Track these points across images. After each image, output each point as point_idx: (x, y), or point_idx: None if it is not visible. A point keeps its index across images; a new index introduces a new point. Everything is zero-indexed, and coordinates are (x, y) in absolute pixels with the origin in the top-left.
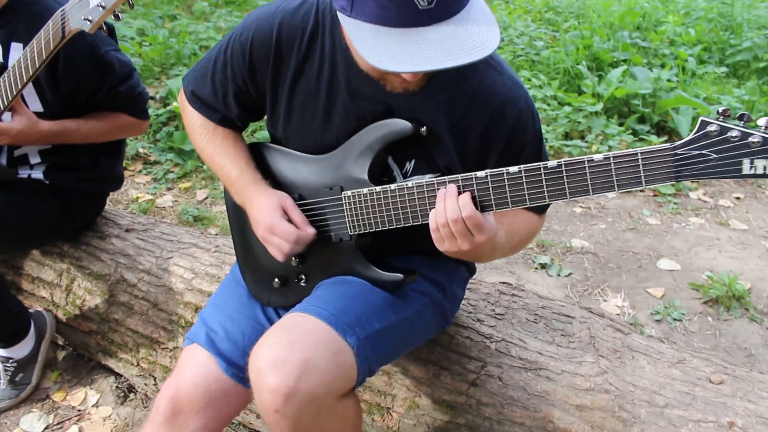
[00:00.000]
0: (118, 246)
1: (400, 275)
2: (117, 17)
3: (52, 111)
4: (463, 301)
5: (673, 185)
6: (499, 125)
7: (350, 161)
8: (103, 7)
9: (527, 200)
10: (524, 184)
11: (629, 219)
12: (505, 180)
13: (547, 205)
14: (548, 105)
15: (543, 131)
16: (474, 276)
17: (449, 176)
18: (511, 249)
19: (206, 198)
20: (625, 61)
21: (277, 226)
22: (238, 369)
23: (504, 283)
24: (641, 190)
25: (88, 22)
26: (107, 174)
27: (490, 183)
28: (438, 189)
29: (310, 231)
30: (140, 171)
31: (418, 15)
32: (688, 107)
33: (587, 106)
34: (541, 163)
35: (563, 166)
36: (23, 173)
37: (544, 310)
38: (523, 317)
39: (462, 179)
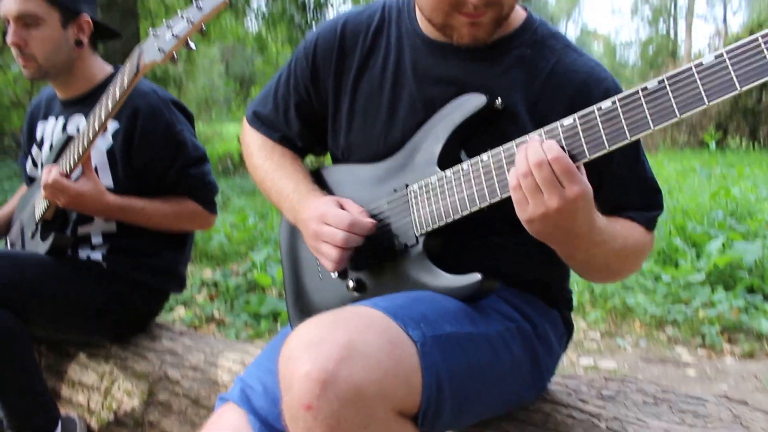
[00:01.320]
0: (167, 345)
1: (477, 275)
2: (189, 47)
3: (121, 188)
4: (560, 386)
5: None
6: (585, 102)
7: (418, 155)
8: (177, 37)
9: (627, 133)
10: (621, 115)
11: (755, 381)
12: (597, 118)
13: (656, 220)
14: (644, 278)
15: (640, 301)
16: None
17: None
18: (617, 256)
19: None
20: (722, 243)
21: (330, 213)
22: (272, 430)
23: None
24: (766, 354)
25: (162, 53)
26: (168, 268)
27: (579, 127)
28: (516, 151)
29: (369, 219)
30: (212, 334)
31: None
32: None
33: (689, 277)
34: (637, 86)
35: (666, 81)
36: (83, 253)
37: (666, 393)
38: (639, 399)
39: (545, 130)
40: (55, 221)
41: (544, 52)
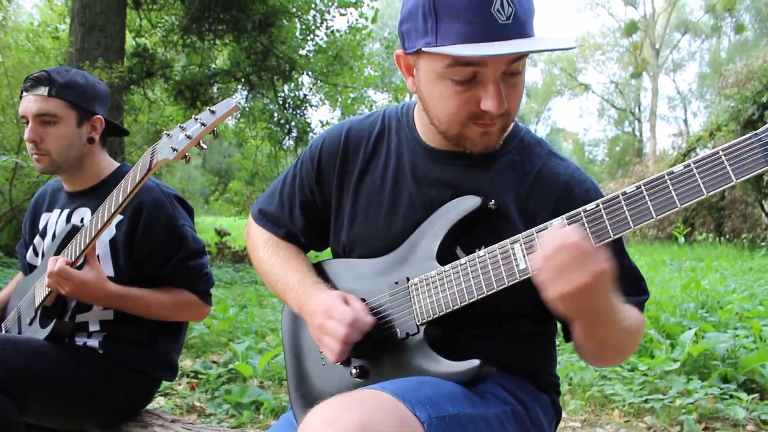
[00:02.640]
0: None
1: (475, 361)
2: (201, 147)
3: (122, 277)
4: None
5: None
6: (571, 204)
7: (417, 251)
8: (189, 138)
9: (653, 213)
10: (646, 197)
11: None
12: (622, 201)
13: (644, 304)
14: (621, 368)
15: (619, 390)
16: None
17: (526, 231)
18: (627, 334)
19: None
20: (695, 332)
21: (335, 308)
22: None
23: None
24: None
25: (174, 151)
26: (162, 357)
27: (603, 211)
28: (510, 247)
29: (370, 318)
30: (193, 423)
31: (500, 29)
32: None
33: (665, 366)
34: (664, 171)
35: (693, 165)
36: (80, 340)
37: None
38: None
39: (566, 216)
40: (54, 308)
41: (530, 157)
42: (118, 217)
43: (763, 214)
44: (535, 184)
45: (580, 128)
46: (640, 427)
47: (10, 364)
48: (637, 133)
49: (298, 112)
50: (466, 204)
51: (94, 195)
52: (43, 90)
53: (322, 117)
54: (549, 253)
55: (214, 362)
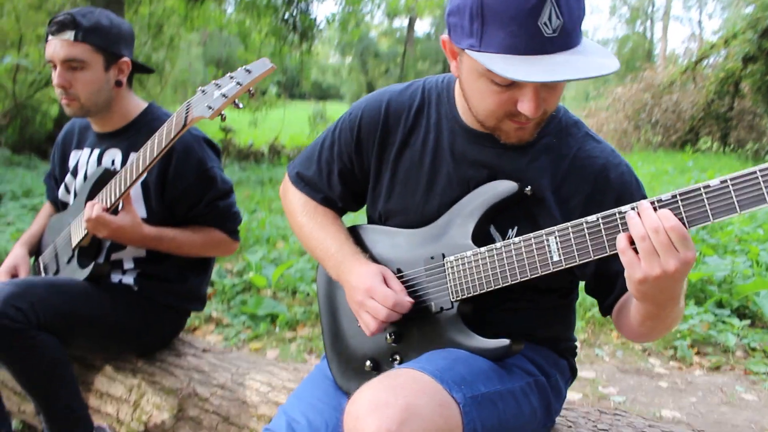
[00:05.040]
0: (194, 363)
1: (506, 340)
2: (237, 106)
3: (155, 218)
4: (560, 418)
5: (766, 364)
6: (605, 189)
7: (453, 229)
8: (225, 97)
9: (737, 207)
10: (732, 192)
11: (721, 394)
12: (703, 195)
13: None
14: None
15: None
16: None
17: (560, 225)
18: (680, 313)
19: (276, 357)
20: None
21: (377, 289)
22: None
23: (603, 407)
24: (730, 368)
25: (210, 110)
26: (192, 291)
27: (680, 201)
28: (546, 239)
29: (408, 300)
30: (212, 332)
31: (544, 43)
32: None
33: None
34: (751, 168)
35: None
36: (115, 277)
37: (651, 429)
38: None
39: (657, 200)
40: (90, 248)
41: (567, 140)
42: None
43: None
44: (571, 168)
45: (591, 26)
46: (636, 350)
47: (56, 307)
48: (648, 34)
49: (303, 5)
50: (503, 188)
51: (123, 136)
52: (70, 34)
53: (327, 11)
54: (642, 234)
55: (228, 271)
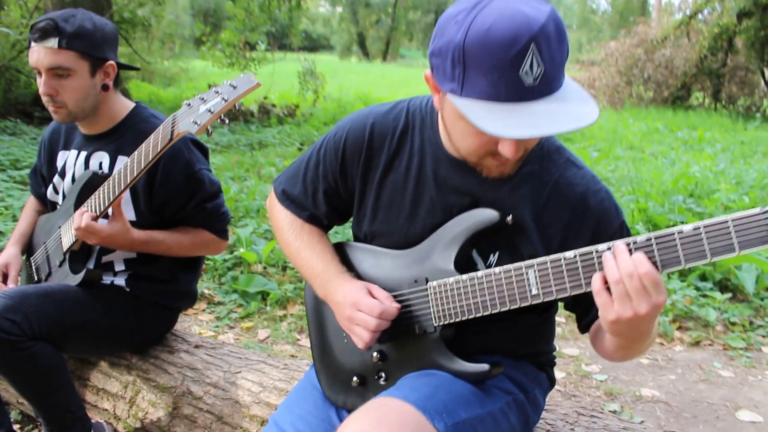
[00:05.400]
0: (186, 360)
1: (485, 365)
2: (223, 121)
3: (143, 220)
4: (540, 421)
5: (743, 339)
6: (584, 216)
7: (436, 253)
8: (211, 112)
9: (708, 255)
10: (704, 239)
11: (700, 371)
12: (677, 240)
13: None
14: None
15: None
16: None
17: (539, 258)
18: (651, 340)
19: (268, 337)
20: (681, 223)
21: (362, 301)
22: None
23: (581, 406)
24: (709, 343)
25: (196, 125)
26: (183, 290)
27: (654, 245)
28: (525, 271)
29: (395, 305)
30: (204, 310)
31: (525, 91)
32: (752, 264)
33: None
34: (724, 217)
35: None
36: (107, 279)
37: (626, 431)
38: None
39: (623, 242)
40: (81, 252)
41: (548, 167)
42: None
43: (763, 82)
44: (552, 195)
45: None
46: None
47: (50, 316)
48: None
49: None
50: (485, 216)
51: (110, 138)
52: (53, 42)
53: None
54: (617, 278)
55: None
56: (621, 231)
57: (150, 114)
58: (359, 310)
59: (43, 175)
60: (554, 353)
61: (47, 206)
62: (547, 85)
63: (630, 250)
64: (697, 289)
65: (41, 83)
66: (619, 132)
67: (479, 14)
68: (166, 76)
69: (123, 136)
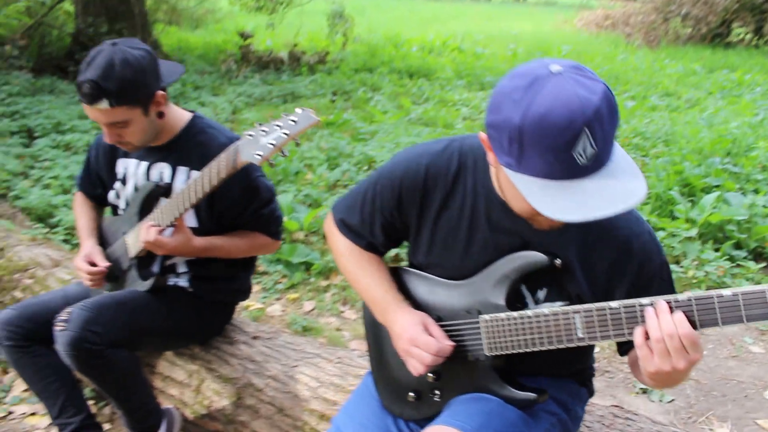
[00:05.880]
0: (246, 352)
1: (533, 394)
2: (283, 154)
3: (203, 228)
4: None
5: None
6: (628, 258)
7: (488, 288)
8: (274, 145)
9: (744, 319)
10: (741, 305)
11: (731, 346)
12: (716, 304)
13: None
14: None
15: None
16: None
17: (585, 305)
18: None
19: (313, 309)
20: (717, 186)
21: (419, 339)
22: None
23: (615, 406)
24: None
25: (258, 157)
26: (240, 287)
27: (695, 306)
28: (572, 317)
29: (449, 344)
30: (271, 338)
31: (577, 169)
32: None
33: (681, 231)
34: (762, 286)
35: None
36: (170, 280)
37: None
38: None
39: (665, 300)
40: (146, 256)
41: None
42: (198, 174)
43: None
44: (597, 238)
45: None
46: None
47: (125, 324)
48: None
49: None
50: (534, 258)
51: (170, 150)
52: (104, 104)
53: None
54: (658, 337)
55: None
56: (661, 271)
57: (206, 125)
58: (416, 346)
59: (101, 178)
60: (594, 368)
61: (99, 204)
62: (598, 162)
63: (671, 308)
64: (731, 258)
65: (105, 133)
66: (654, 75)
67: (536, 97)
68: (192, 18)
69: (182, 148)
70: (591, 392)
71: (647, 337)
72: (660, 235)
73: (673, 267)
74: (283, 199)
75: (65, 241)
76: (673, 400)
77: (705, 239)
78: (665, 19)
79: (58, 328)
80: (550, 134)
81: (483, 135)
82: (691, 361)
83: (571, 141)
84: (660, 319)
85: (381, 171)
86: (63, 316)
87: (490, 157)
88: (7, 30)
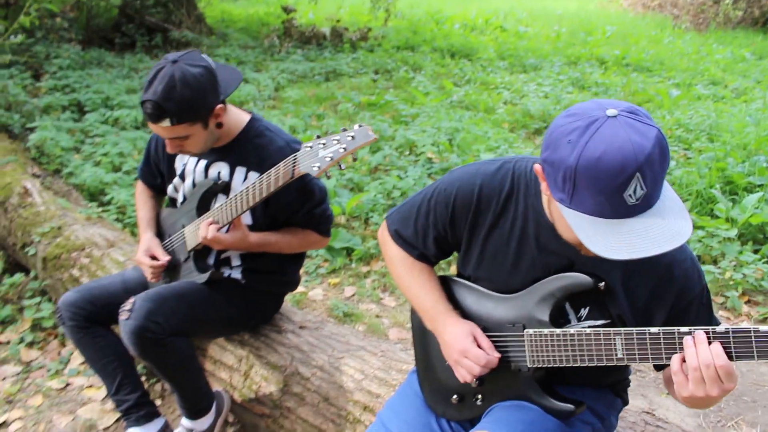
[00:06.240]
0: (293, 341)
1: (571, 406)
2: (340, 167)
3: (258, 225)
4: None
5: None
6: (669, 284)
7: (533, 304)
8: (332, 159)
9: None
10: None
11: None
12: (753, 337)
13: None
14: None
15: None
16: None
17: (626, 329)
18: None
19: (353, 295)
20: (761, 186)
21: (470, 351)
22: None
23: (647, 412)
24: None
25: (316, 168)
26: (290, 279)
27: (732, 339)
28: (613, 338)
29: (497, 356)
30: (318, 328)
31: (626, 209)
32: None
33: (721, 231)
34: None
35: None
36: (225, 273)
37: None
38: None
39: (704, 331)
40: (203, 249)
41: None
42: (256, 176)
43: None
44: (640, 263)
45: None
46: None
47: (184, 315)
48: None
49: None
50: (579, 280)
51: (228, 151)
52: (166, 122)
53: None
54: (695, 366)
55: None
56: (701, 296)
57: (264, 127)
58: (466, 357)
59: (160, 171)
60: (629, 380)
61: (159, 194)
62: (646, 202)
63: (709, 339)
64: None
65: (167, 145)
66: (701, 61)
67: (591, 140)
68: None
69: (241, 150)
70: (625, 402)
71: (684, 363)
72: (699, 234)
73: (710, 267)
74: (326, 184)
75: (117, 220)
76: None
77: (744, 240)
78: (715, 1)
79: (123, 317)
80: (603, 178)
81: (538, 167)
82: (725, 389)
83: (622, 185)
84: (698, 349)
85: (437, 186)
86: (127, 306)
87: (544, 186)
88: (57, 3)
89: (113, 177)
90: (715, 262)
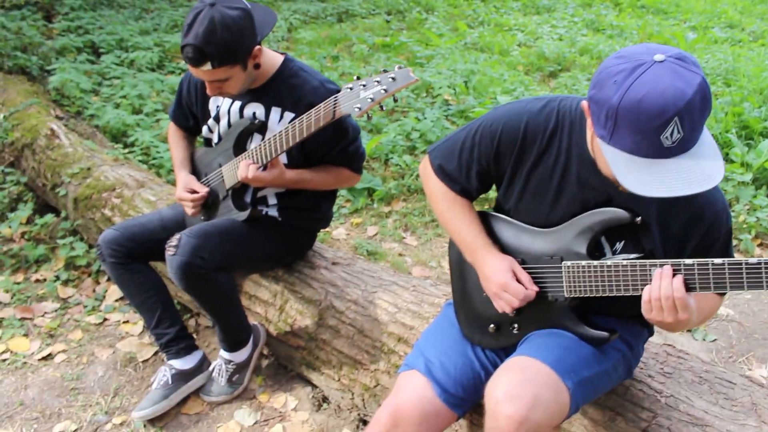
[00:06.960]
0: (327, 277)
1: (606, 333)
2: (381, 108)
3: (294, 163)
4: None
5: None
6: (698, 222)
7: (571, 237)
8: (372, 100)
9: (727, 287)
10: (726, 275)
11: None
12: (710, 269)
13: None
14: None
15: None
16: None
17: (660, 260)
18: (695, 324)
19: (376, 234)
20: None
21: (510, 285)
22: (449, 395)
23: (668, 344)
24: None
25: (357, 109)
26: (323, 215)
27: (696, 270)
28: (649, 269)
29: (535, 289)
30: (349, 265)
31: (663, 150)
32: None
33: (736, 175)
34: (743, 259)
35: (762, 264)
36: (262, 210)
37: (707, 373)
38: (689, 378)
39: (672, 264)
40: (241, 188)
41: None
42: (291, 116)
43: None
44: (675, 201)
45: None
46: None
47: (227, 251)
48: None
49: None
50: (617, 215)
51: (263, 92)
52: (207, 66)
53: None
54: (653, 296)
55: None
56: (725, 236)
57: (298, 67)
58: (506, 290)
59: (193, 112)
60: None
61: (192, 134)
62: (683, 145)
63: (679, 271)
64: None
65: (208, 87)
66: (718, 3)
67: (635, 82)
68: None
69: (276, 90)
70: (651, 332)
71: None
72: None
73: None
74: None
75: (142, 161)
76: (716, 339)
77: (759, 185)
78: None
79: (170, 252)
80: (642, 119)
81: (585, 104)
82: (678, 320)
83: (660, 127)
84: (662, 282)
85: (481, 122)
86: (173, 242)
87: (589, 122)
88: None
89: (135, 119)
90: (729, 205)
